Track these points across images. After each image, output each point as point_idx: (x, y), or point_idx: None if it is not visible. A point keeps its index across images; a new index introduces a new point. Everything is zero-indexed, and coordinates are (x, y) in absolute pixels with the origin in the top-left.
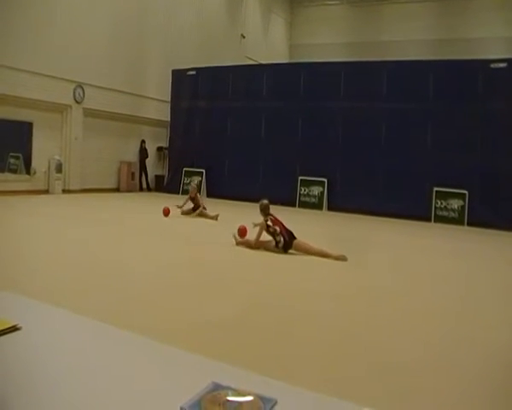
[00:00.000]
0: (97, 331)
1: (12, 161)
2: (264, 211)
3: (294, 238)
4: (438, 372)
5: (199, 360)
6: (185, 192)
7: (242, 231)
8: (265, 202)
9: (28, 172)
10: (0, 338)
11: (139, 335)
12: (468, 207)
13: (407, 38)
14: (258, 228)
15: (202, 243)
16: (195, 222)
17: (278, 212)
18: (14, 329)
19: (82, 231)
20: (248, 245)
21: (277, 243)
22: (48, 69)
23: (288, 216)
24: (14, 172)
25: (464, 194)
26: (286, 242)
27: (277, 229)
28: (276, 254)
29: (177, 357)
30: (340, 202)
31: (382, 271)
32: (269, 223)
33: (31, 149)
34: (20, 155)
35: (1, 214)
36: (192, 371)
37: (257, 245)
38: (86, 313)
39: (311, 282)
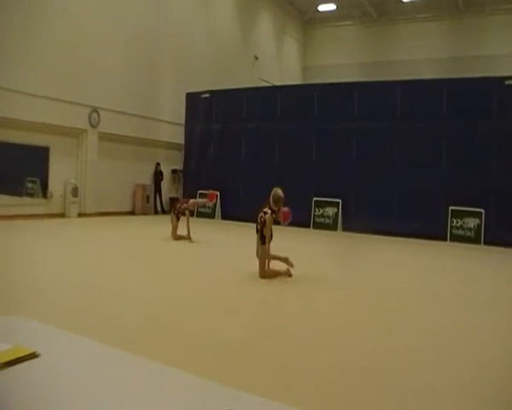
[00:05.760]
0: (115, 358)
1: (29, 185)
2: (276, 203)
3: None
4: (445, 394)
5: (215, 386)
6: (200, 215)
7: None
8: (279, 193)
9: (45, 196)
10: (19, 365)
11: (156, 362)
12: (485, 226)
13: (420, 57)
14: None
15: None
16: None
17: (293, 233)
18: (33, 356)
19: (97, 255)
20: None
21: (265, 237)
22: (64, 94)
23: (303, 237)
24: (32, 196)
25: (480, 212)
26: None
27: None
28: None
29: (193, 384)
30: (354, 222)
31: (390, 291)
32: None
33: (47, 174)
34: (37, 179)
35: (19, 238)
36: (208, 398)
37: (269, 273)
38: (101, 338)
39: (320, 304)
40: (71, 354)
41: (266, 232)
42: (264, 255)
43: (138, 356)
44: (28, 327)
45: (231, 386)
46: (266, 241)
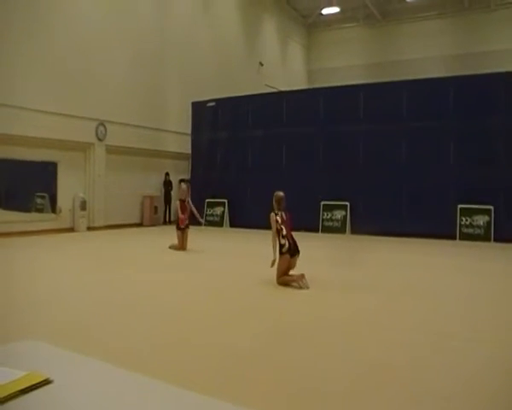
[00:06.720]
0: (129, 382)
1: (38, 200)
2: (278, 204)
3: (298, 251)
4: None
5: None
6: (209, 224)
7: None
8: (281, 194)
9: (54, 211)
10: (33, 393)
11: (172, 385)
12: (495, 223)
13: (425, 56)
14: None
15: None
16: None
17: (302, 238)
18: (46, 382)
19: (107, 270)
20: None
21: (281, 246)
22: (70, 109)
23: (313, 242)
24: (41, 211)
25: (490, 209)
26: (291, 245)
27: (283, 230)
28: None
29: (210, 407)
30: (363, 224)
31: (403, 294)
32: (277, 218)
33: (56, 189)
34: (46, 194)
35: (29, 255)
36: None
37: (283, 280)
38: (111, 358)
39: (333, 310)
40: (84, 378)
41: (272, 230)
42: (280, 265)
43: (153, 379)
44: (41, 351)
45: (242, 402)
46: (278, 236)
